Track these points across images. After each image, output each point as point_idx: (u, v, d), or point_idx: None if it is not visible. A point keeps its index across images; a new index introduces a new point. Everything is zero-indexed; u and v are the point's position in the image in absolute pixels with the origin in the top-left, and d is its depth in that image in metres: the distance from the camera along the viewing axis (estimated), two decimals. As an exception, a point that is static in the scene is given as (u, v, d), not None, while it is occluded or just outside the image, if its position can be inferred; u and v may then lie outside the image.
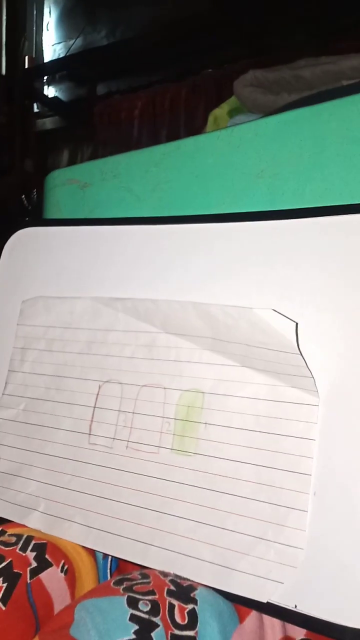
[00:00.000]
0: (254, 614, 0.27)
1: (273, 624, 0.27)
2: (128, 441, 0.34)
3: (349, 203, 0.34)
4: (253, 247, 0.33)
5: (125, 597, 0.25)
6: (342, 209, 0.31)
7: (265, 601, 0.26)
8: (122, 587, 0.26)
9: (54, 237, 0.44)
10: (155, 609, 0.25)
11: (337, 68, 0.58)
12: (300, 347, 0.29)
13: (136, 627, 0.24)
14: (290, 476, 0.28)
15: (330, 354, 0.29)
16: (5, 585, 0.28)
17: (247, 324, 0.31)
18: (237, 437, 0.31)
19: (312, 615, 0.25)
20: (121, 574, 0.32)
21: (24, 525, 0.36)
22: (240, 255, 0.34)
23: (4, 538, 0.33)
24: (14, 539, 0.32)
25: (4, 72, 2.86)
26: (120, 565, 0.33)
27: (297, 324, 0.29)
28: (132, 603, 0.25)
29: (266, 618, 0.27)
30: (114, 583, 0.27)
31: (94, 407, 0.36)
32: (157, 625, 0.24)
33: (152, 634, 0.23)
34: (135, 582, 0.27)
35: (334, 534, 0.26)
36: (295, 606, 0.26)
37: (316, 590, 0.26)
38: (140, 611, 0.24)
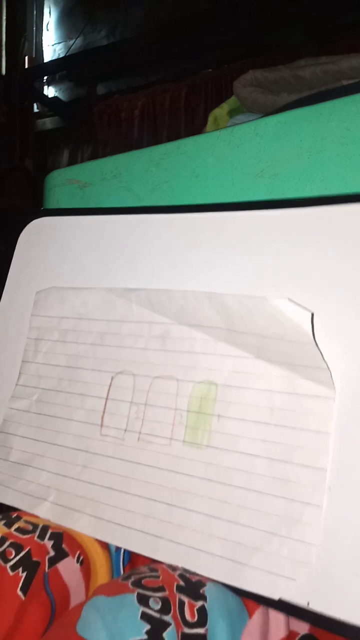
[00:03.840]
0: (261, 608, 0.27)
1: (277, 618, 0.27)
2: (140, 433, 0.34)
3: None
4: (268, 236, 0.33)
5: (135, 593, 0.25)
6: None
7: (277, 598, 0.26)
8: (130, 581, 0.26)
9: (68, 227, 0.43)
10: (166, 607, 0.25)
11: (337, 68, 0.58)
12: (316, 338, 0.28)
13: (148, 626, 0.23)
14: (306, 471, 0.28)
15: (347, 345, 0.29)
16: (24, 574, 0.28)
17: (262, 314, 0.31)
18: (250, 430, 0.30)
19: (325, 613, 0.25)
20: (131, 569, 0.31)
21: None
22: (255, 244, 0.34)
23: (21, 524, 0.32)
24: (30, 527, 0.32)
25: (4, 72, 2.86)
26: (132, 559, 0.33)
27: (312, 313, 0.29)
28: (143, 600, 0.25)
29: (271, 612, 0.27)
30: (122, 578, 0.27)
31: (107, 398, 0.36)
32: (168, 624, 0.24)
33: (164, 634, 0.23)
34: (143, 575, 0.27)
35: (349, 531, 0.26)
36: (308, 604, 0.25)
37: (330, 588, 0.25)
38: (151, 609, 0.24)
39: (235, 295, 0.32)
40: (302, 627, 0.27)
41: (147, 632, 0.23)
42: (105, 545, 0.33)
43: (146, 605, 0.24)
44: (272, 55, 1.92)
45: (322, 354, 0.28)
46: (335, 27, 1.93)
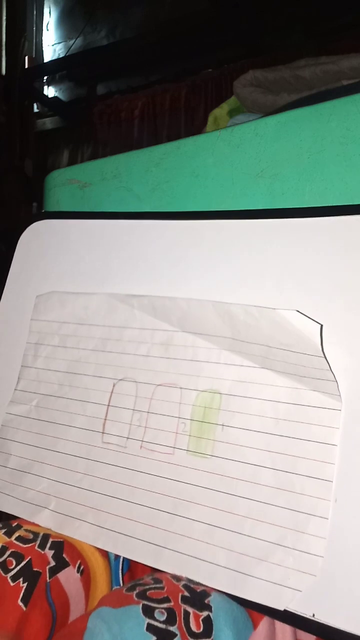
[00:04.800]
0: (266, 618, 0.27)
1: (284, 629, 0.27)
2: (142, 441, 0.34)
3: (349, 203, 0.34)
4: (271, 242, 0.33)
5: (140, 605, 0.25)
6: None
7: (282, 609, 0.26)
8: (135, 592, 0.26)
9: (69, 230, 0.43)
10: (171, 618, 0.25)
11: (337, 68, 0.58)
12: (324, 349, 0.28)
13: (154, 638, 0.23)
14: (311, 482, 0.28)
15: (353, 357, 0.28)
16: (25, 585, 0.28)
17: (269, 324, 0.30)
18: (255, 440, 0.30)
19: (330, 624, 0.25)
20: (133, 579, 0.31)
21: None
22: (258, 250, 0.33)
23: (21, 533, 0.32)
24: (31, 535, 0.32)
25: (4, 72, 2.86)
26: (131, 567, 0.33)
27: (322, 326, 0.29)
28: (148, 612, 0.25)
29: (278, 622, 0.27)
30: (126, 589, 0.27)
31: (108, 405, 0.36)
32: (174, 635, 0.24)
33: None
34: (148, 587, 0.27)
35: (354, 542, 0.26)
36: (313, 615, 0.25)
37: (335, 599, 0.25)
38: (157, 621, 0.24)
39: (242, 304, 0.32)
40: (309, 637, 0.27)
41: None
42: (105, 554, 0.33)
43: (151, 617, 0.24)
44: (272, 55, 1.92)
45: (330, 366, 0.28)
46: (335, 27, 1.92)
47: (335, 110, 0.35)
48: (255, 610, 0.27)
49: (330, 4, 1.88)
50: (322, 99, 0.36)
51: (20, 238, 0.45)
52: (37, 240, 0.45)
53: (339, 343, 0.29)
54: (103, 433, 0.35)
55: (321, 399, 0.29)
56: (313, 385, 0.29)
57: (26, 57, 2.82)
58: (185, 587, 0.27)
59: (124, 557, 0.33)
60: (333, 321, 0.29)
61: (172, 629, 0.24)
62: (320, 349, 0.28)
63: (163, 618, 0.24)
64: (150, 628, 0.24)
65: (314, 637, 0.26)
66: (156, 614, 0.25)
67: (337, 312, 0.30)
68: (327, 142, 0.35)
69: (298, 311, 0.29)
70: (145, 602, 0.25)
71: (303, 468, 0.28)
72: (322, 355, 0.28)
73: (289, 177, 0.37)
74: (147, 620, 0.24)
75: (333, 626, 0.25)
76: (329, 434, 0.28)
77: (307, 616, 0.25)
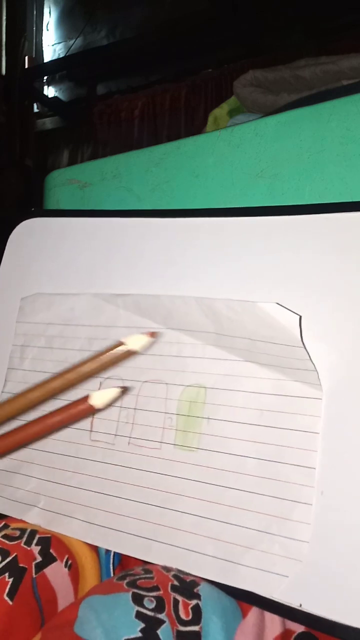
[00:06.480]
0: (255, 608, 0.27)
1: (273, 619, 0.27)
2: (130, 437, 0.34)
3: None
4: (260, 242, 0.33)
5: (130, 593, 0.25)
6: (355, 206, 0.31)
7: (270, 596, 0.26)
8: (125, 581, 0.26)
9: (61, 229, 0.43)
10: (160, 605, 0.25)
11: (337, 68, 0.58)
12: (304, 340, 0.29)
13: (142, 625, 0.24)
14: (295, 469, 0.28)
15: (334, 347, 0.29)
16: (11, 580, 0.28)
17: (251, 318, 0.31)
18: (240, 432, 0.30)
19: (317, 614, 0.25)
20: (123, 570, 0.32)
21: None
22: (245, 250, 0.34)
23: (8, 532, 0.32)
24: (17, 533, 0.32)
25: (4, 72, 2.86)
26: (122, 561, 0.33)
27: (300, 317, 0.29)
28: (137, 599, 0.25)
29: (267, 612, 0.27)
30: (117, 579, 0.27)
31: None
32: (162, 622, 0.24)
33: (158, 632, 0.24)
34: (138, 576, 0.27)
35: (339, 529, 0.26)
36: (300, 605, 0.26)
37: (321, 589, 0.26)
38: (146, 608, 0.24)
39: (224, 299, 0.32)
40: (298, 625, 0.27)
41: (142, 630, 0.23)
42: (94, 549, 0.33)
43: (140, 604, 0.25)
44: (272, 55, 1.92)
45: (310, 356, 0.29)
46: (335, 27, 1.93)
47: (335, 110, 0.35)
48: (243, 600, 0.27)
49: (330, 4, 1.88)
50: (322, 99, 0.36)
51: (10, 237, 0.45)
52: (27, 239, 0.44)
53: (320, 335, 0.29)
54: (91, 431, 0.36)
55: (303, 389, 0.29)
56: (295, 376, 0.30)
57: (26, 57, 2.82)
58: (175, 576, 0.28)
59: (114, 551, 0.33)
60: (313, 315, 0.30)
61: (161, 616, 0.24)
62: (300, 339, 0.29)
63: (152, 606, 0.25)
64: (139, 615, 0.24)
65: (303, 626, 0.27)
66: (145, 601, 0.25)
67: (316, 306, 0.30)
68: (327, 142, 0.35)
69: (278, 303, 0.30)
70: (135, 590, 0.25)
71: (287, 456, 0.28)
72: (302, 346, 0.29)
73: (289, 177, 0.37)
74: (136, 608, 0.24)
75: (320, 615, 0.25)
76: (312, 423, 0.28)
77: (295, 606, 0.26)
